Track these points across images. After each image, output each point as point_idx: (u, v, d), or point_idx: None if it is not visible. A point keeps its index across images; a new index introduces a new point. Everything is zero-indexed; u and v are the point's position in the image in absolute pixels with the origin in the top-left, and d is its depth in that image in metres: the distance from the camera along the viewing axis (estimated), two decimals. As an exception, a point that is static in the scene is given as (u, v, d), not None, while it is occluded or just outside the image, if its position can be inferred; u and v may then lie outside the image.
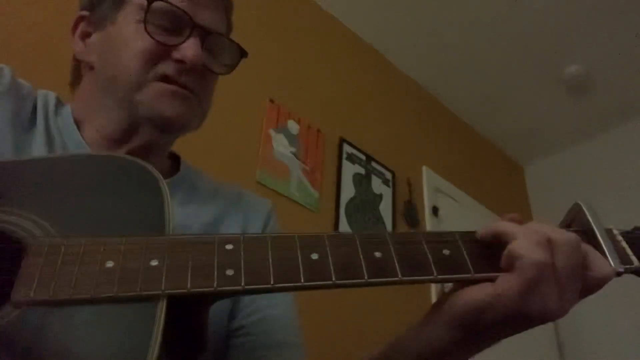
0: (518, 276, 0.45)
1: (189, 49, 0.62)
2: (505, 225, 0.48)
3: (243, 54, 0.70)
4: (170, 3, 0.63)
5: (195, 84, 0.64)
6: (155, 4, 0.62)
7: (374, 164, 2.54)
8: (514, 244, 0.46)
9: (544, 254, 0.45)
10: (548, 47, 2.82)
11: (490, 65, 2.96)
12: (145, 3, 0.62)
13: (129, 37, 0.63)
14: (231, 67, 0.70)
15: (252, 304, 0.65)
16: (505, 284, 0.45)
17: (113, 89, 0.63)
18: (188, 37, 0.63)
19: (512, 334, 0.48)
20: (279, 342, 0.64)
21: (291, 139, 2.22)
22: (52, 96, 0.68)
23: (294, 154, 2.19)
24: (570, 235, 0.46)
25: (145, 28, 0.62)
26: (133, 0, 0.64)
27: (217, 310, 0.58)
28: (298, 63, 2.46)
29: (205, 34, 0.65)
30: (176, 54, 0.63)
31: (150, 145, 0.65)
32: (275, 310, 0.66)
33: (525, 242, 0.45)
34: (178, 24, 0.64)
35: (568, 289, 0.46)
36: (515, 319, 0.46)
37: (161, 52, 0.62)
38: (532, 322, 0.47)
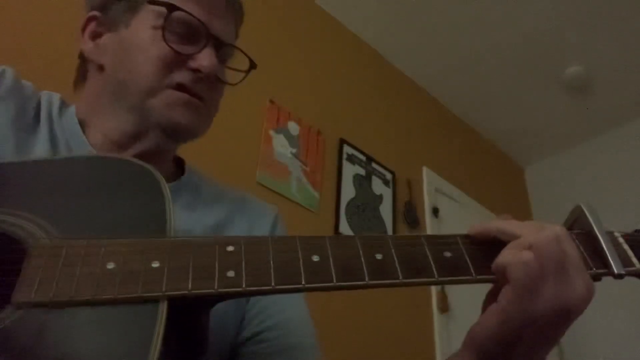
0: (511, 283, 0.44)
1: (205, 58, 0.63)
2: (504, 225, 0.48)
3: (252, 65, 0.72)
4: (189, 13, 0.63)
5: (207, 92, 0.65)
6: (175, 13, 0.63)
7: (374, 165, 2.54)
8: (498, 258, 0.46)
9: (526, 253, 0.44)
10: (548, 48, 2.82)
11: (491, 66, 2.97)
12: (163, 10, 0.63)
13: (145, 43, 0.63)
14: (240, 78, 0.72)
15: (266, 310, 0.65)
16: (504, 296, 0.45)
17: (125, 93, 0.63)
18: (204, 47, 0.64)
19: (552, 339, 0.46)
20: (295, 344, 0.64)
21: (291, 139, 2.22)
22: (56, 97, 0.67)
23: (294, 155, 2.19)
24: (546, 232, 0.46)
25: (164, 36, 0.62)
26: (149, 7, 0.64)
27: (222, 320, 0.58)
28: (298, 64, 2.46)
29: (219, 45, 0.66)
30: (192, 63, 0.63)
31: (155, 150, 0.65)
32: (288, 314, 0.65)
33: (506, 250, 0.46)
34: (194, 33, 0.64)
35: (571, 275, 0.45)
36: (539, 325, 0.45)
37: (177, 61, 0.63)
38: (558, 320, 0.45)
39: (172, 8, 0.63)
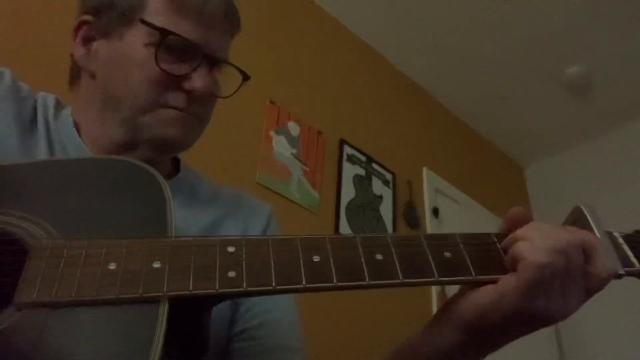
0: (519, 277, 0.45)
1: (199, 80, 0.63)
2: (517, 232, 0.49)
3: (245, 77, 0.71)
4: (182, 37, 0.62)
5: (200, 110, 0.65)
6: (168, 38, 0.61)
7: (374, 165, 2.54)
8: (517, 246, 0.47)
9: (546, 256, 0.45)
10: (549, 48, 2.82)
11: (491, 66, 2.96)
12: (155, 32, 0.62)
13: (138, 61, 0.62)
14: (233, 83, 0.71)
15: (254, 308, 0.65)
16: (506, 285, 0.46)
17: (116, 107, 0.63)
18: (198, 66, 0.63)
19: (516, 337, 0.49)
20: (280, 345, 0.64)
21: (291, 140, 2.22)
22: (51, 98, 0.67)
23: (294, 155, 2.19)
24: (570, 237, 0.47)
25: (156, 61, 0.61)
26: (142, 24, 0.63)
27: (218, 315, 0.58)
28: (298, 64, 2.46)
29: (213, 62, 0.65)
30: (187, 85, 0.63)
31: (147, 161, 0.64)
32: (276, 314, 0.66)
33: (528, 244, 0.46)
34: (188, 53, 0.63)
35: (571, 291, 0.46)
36: (518, 321, 0.46)
37: (170, 82, 0.62)
38: (535, 324, 0.47)
39: (165, 33, 0.61)
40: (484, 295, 0.47)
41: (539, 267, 0.44)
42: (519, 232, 0.48)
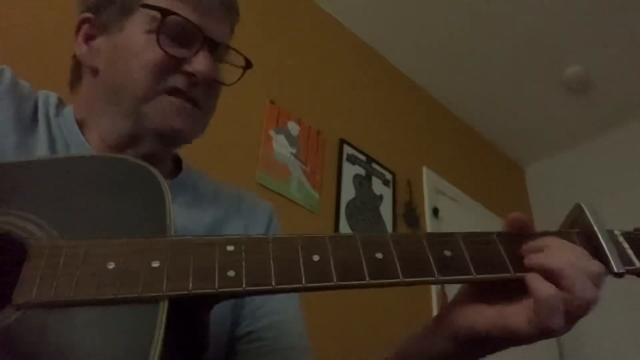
0: (536, 328, 0.44)
1: (200, 62, 0.63)
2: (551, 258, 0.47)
3: (248, 64, 0.71)
4: (183, 17, 0.63)
5: (203, 96, 0.65)
6: (169, 18, 0.62)
7: (374, 165, 2.54)
8: (547, 287, 0.45)
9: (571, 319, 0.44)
10: (548, 48, 2.82)
11: (491, 66, 2.96)
12: (156, 14, 0.62)
13: (139, 47, 0.62)
14: (236, 78, 0.71)
15: (260, 308, 0.65)
16: (517, 325, 0.45)
17: (119, 98, 0.63)
18: (199, 50, 0.63)
19: (513, 346, 0.49)
20: (288, 346, 0.64)
21: (291, 140, 2.22)
22: (53, 97, 0.67)
23: (294, 155, 2.19)
24: (595, 270, 0.46)
25: (158, 40, 0.61)
26: (143, 10, 0.63)
27: (219, 315, 0.58)
28: (298, 64, 2.46)
29: (214, 46, 0.65)
30: (187, 67, 0.63)
31: (152, 154, 0.64)
32: (284, 315, 0.66)
33: (565, 295, 0.45)
34: (188, 36, 0.64)
35: (576, 315, 0.46)
36: (519, 342, 0.47)
37: (171, 65, 0.62)
38: (535, 341, 0.47)
39: (166, 13, 0.62)
40: (487, 320, 0.47)
41: (551, 310, 0.44)
42: (554, 259, 0.46)
